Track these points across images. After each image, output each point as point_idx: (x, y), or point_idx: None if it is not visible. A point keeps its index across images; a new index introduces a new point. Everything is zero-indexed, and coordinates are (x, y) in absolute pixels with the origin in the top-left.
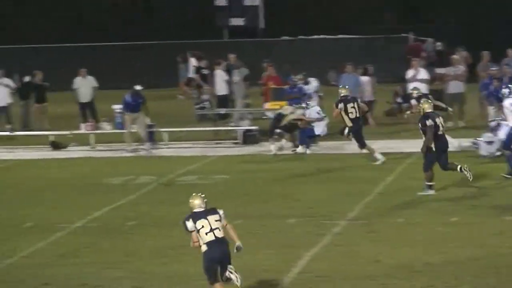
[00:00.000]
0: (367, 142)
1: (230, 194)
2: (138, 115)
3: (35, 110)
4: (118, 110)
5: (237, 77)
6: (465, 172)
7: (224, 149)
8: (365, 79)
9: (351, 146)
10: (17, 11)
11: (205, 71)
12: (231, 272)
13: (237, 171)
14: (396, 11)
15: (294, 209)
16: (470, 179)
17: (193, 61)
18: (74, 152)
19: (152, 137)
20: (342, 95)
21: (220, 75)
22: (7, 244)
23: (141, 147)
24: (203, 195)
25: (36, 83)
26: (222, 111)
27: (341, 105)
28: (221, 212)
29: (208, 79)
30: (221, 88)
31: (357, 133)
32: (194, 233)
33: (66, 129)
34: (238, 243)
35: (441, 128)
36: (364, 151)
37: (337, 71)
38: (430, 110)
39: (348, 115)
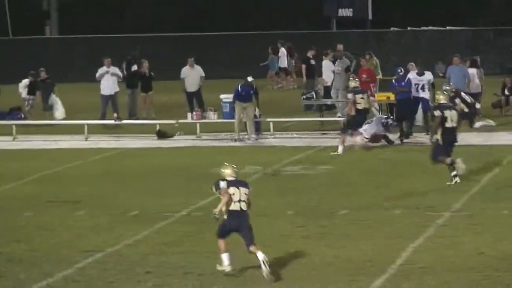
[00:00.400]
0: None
1: (334, 185)
2: (248, 105)
3: (141, 99)
4: (225, 100)
5: (338, 67)
6: (458, 164)
7: (329, 140)
8: (472, 71)
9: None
10: (127, 2)
11: (313, 62)
12: (263, 264)
13: (341, 162)
14: (506, 3)
15: (398, 200)
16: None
17: (284, 52)
18: (180, 141)
19: (259, 127)
20: (352, 87)
21: (327, 66)
22: (112, 231)
23: (247, 136)
24: (235, 166)
25: (143, 72)
26: (328, 101)
27: (350, 95)
28: (251, 188)
29: (315, 70)
30: (328, 78)
31: (356, 123)
32: (224, 189)
33: (172, 119)
34: None
35: (449, 121)
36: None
37: (445, 62)
38: (443, 102)
39: (355, 106)
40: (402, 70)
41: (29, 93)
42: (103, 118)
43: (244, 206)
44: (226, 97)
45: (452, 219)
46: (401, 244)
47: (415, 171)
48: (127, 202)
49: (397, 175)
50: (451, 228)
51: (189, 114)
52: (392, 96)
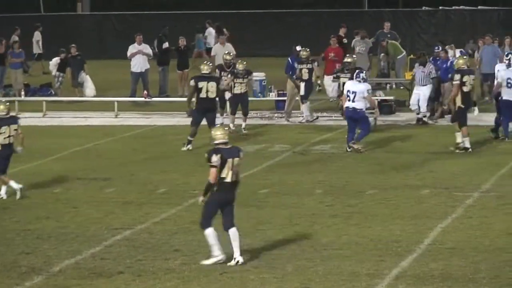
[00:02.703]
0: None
1: (363, 164)
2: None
3: (178, 77)
4: (256, 78)
5: (361, 47)
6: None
7: None
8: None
9: (485, 118)
10: None
11: (345, 40)
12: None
13: (371, 141)
14: None
15: (427, 180)
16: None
17: (211, 32)
18: None
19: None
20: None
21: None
22: (141, 209)
23: (276, 115)
24: (8, 103)
25: (180, 49)
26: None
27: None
28: (19, 121)
29: (348, 49)
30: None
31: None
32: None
33: None
34: (19, 148)
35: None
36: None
37: (476, 42)
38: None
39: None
40: (440, 47)
41: (59, 70)
42: (133, 95)
43: (11, 139)
44: (256, 75)
45: (481, 200)
46: (429, 224)
47: (444, 152)
48: (156, 180)
49: (426, 155)
50: (480, 209)
51: None
52: None
